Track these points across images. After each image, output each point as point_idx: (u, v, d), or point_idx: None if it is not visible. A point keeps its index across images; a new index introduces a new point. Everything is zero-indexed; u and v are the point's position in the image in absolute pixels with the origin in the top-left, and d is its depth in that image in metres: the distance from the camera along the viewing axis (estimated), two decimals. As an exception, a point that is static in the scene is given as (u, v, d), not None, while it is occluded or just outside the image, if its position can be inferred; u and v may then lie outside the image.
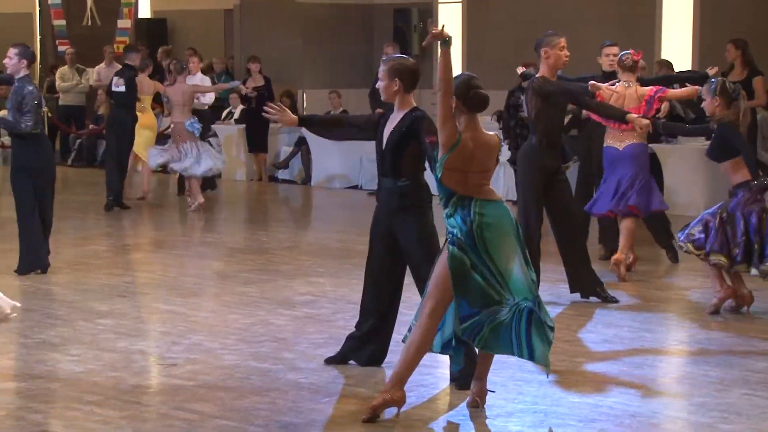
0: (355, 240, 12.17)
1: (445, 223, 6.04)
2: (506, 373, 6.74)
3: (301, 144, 17.76)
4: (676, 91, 9.97)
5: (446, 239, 6.04)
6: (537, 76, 8.87)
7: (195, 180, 14.50)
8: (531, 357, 5.93)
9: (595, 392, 6.53)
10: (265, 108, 7.03)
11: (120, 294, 9.37)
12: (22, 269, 10.00)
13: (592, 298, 8.87)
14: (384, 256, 6.88)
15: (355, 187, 16.88)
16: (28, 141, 9.95)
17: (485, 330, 5.89)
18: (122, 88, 14.44)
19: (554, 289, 9.23)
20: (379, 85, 6.68)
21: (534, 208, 8.76)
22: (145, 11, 22.55)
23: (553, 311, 8.56)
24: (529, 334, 5.90)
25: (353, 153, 17.02)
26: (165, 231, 13.17)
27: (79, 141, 20.36)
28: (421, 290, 6.40)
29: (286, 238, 12.85)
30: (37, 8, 24.26)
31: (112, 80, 14.83)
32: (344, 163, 17.13)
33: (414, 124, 6.58)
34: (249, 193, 17.04)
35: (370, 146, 16.49)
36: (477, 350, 6.14)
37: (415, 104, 6.67)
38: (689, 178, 13.57)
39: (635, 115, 9.10)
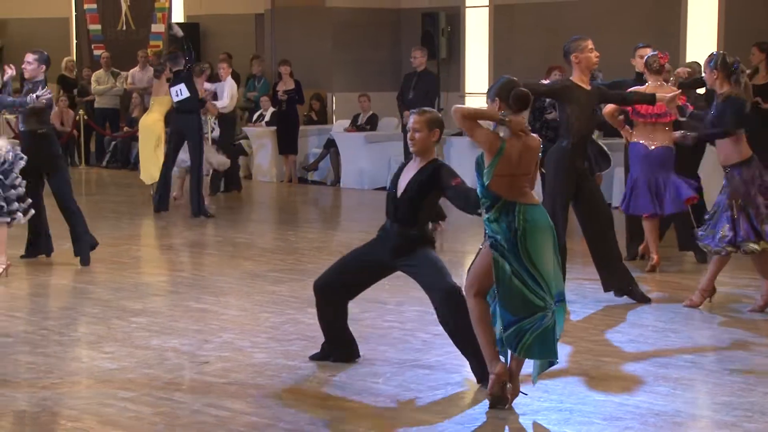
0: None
1: (486, 227, 6.07)
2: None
3: (330, 146, 17.78)
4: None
5: (485, 241, 6.10)
6: (563, 78, 8.86)
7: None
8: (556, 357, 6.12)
9: (621, 391, 6.49)
10: None
11: (153, 293, 9.41)
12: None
13: (625, 297, 8.81)
14: (360, 272, 6.93)
15: (384, 188, 16.85)
16: (34, 139, 10.14)
17: (528, 338, 5.94)
18: (185, 95, 14.19)
19: (580, 289, 9.20)
20: (414, 136, 6.58)
21: (562, 210, 8.71)
22: (178, 16, 22.61)
23: (580, 311, 8.56)
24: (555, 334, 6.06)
25: (381, 154, 17.04)
26: (197, 231, 13.20)
27: (113, 143, 20.44)
28: (439, 299, 6.53)
29: (315, 238, 12.86)
30: (74, 13, 24.37)
31: (170, 92, 14.40)
32: (373, 165, 17.13)
33: (435, 174, 6.56)
34: (279, 194, 17.07)
35: (398, 147, 16.60)
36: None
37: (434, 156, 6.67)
38: (711, 180, 13.48)
39: (662, 94, 9.04)
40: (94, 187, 16.39)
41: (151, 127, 14.92)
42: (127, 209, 14.80)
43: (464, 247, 11.52)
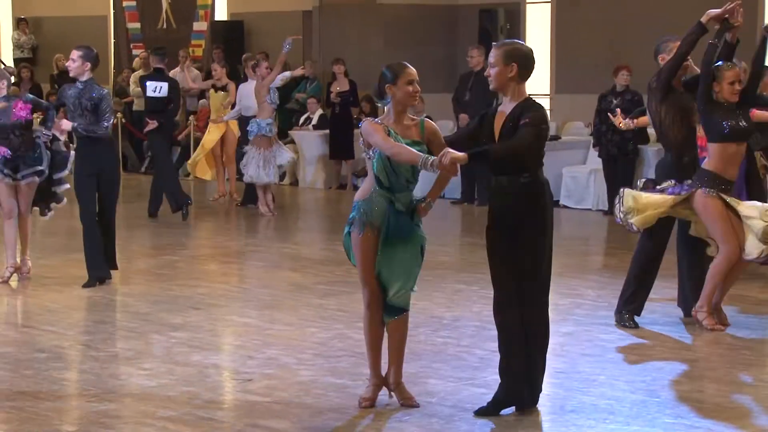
0: (437, 251, 12.14)
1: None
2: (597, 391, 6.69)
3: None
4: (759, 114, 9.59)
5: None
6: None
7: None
8: None
9: (690, 414, 6.44)
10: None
11: (194, 306, 9.46)
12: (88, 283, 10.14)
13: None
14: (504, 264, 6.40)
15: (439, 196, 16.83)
16: (97, 145, 10.06)
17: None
18: (162, 94, 14.49)
19: (664, 308, 9.13)
20: (490, 72, 6.39)
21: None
22: (221, 13, 22.75)
23: (662, 329, 8.52)
24: None
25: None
26: (240, 241, 13.27)
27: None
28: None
29: (365, 248, 12.86)
30: (112, 11, 24.53)
31: (147, 87, 14.84)
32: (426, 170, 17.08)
33: (526, 111, 6.26)
34: (327, 202, 17.11)
35: (453, 153, 16.49)
36: None
37: (528, 95, 6.40)
38: None
39: None
40: (133, 195, 16.50)
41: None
42: (167, 217, 14.88)
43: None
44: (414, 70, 6.58)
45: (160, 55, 15.04)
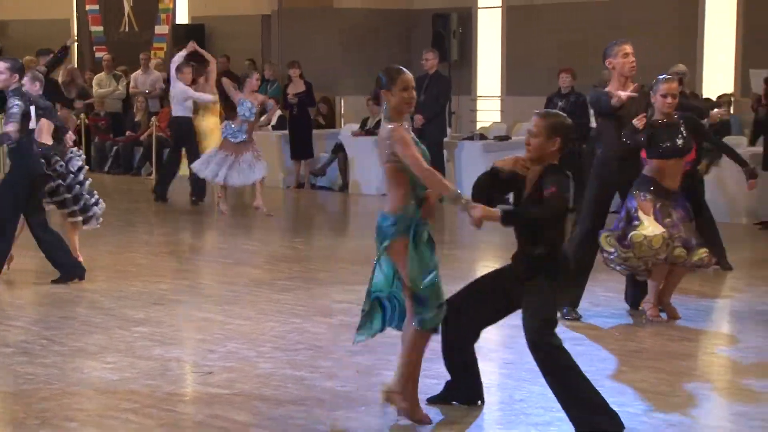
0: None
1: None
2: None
3: (338, 151, 17.81)
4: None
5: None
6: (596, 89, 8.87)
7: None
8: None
9: (636, 402, 6.51)
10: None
11: (156, 302, 9.44)
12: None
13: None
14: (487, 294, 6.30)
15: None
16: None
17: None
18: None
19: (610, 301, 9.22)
20: (530, 141, 5.99)
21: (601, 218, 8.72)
22: (183, 17, 22.67)
23: (606, 322, 8.58)
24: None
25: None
26: (201, 239, 13.25)
27: (115, 148, 20.46)
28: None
29: (323, 245, 12.89)
30: (75, 14, 24.42)
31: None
32: (382, 171, 17.11)
33: (551, 176, 5.90)
34: (286, 200, 17.10)
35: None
36: None
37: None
38: (729, 184, 13.52)
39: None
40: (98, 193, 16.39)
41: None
42: (130, 216, 14.84)
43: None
44: (410, 75, 6.16)
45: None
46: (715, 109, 10.01)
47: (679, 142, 8.47)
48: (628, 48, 8.64)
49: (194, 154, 15.41)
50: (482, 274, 6.52)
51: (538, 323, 5.92)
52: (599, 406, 5.89)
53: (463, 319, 6.26)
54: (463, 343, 6.36)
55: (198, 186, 15.72)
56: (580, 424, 5.86)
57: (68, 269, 10.15)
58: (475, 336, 6.40)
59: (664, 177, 8.45)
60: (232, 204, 15.63)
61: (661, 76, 8.57)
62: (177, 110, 15.84)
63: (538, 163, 5.97)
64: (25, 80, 10.10)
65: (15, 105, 9.57)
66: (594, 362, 7.27)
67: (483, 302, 6.25)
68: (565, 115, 6.19)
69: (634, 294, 8.89)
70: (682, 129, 8.50)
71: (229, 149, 14.43)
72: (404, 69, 6.19)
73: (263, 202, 14.60)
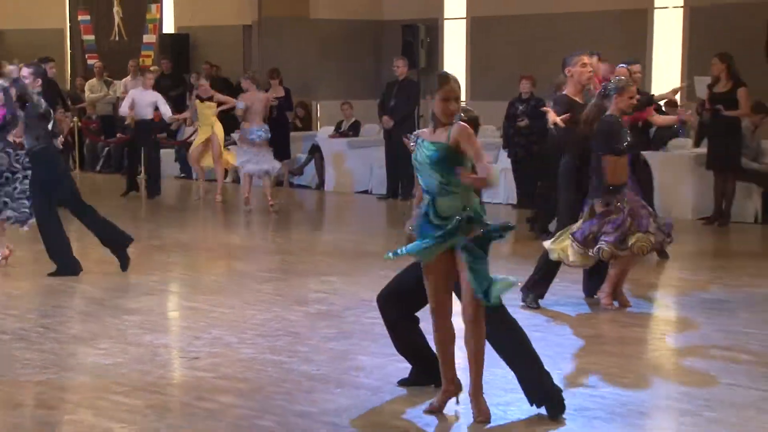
0: (366, 241, 12.22)
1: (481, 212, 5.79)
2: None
3: (315, 151, 17.80)
4: (659, 118, 9.99)
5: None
6: (560, 94, 8.89)
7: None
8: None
9: (590, 382, 6.56)
10: None
11: (146, 292, 9.42)
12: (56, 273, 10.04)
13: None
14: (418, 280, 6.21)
15: (366, 191, 16.92)
16: (39, 156, 9.93)
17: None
18: None
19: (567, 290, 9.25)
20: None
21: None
22: (169, 27, 22.59)
23: (563, 309, 8.63)
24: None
25: (364, 159, 17.07)
26: (188, 233, 13.22)
27: (106, 149, 20.40)
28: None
29: (300, 239, 12.90)
30: (68, 24, 24.33)
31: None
32: (355, 169, 17.17)
33: None
34: (266, 198, 17.04)
35: (380, 152, 16.63)
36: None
37: None
38: (676, 182, 13.62)
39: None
40: (89, 192, 16.34)
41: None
42: (121, 212, 14.77)
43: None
44: (454, 86, 5.81)
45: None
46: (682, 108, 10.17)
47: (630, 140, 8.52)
48: (586, 59, 8.74)
49: (151, 154, 16.31)
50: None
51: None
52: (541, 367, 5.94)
53: (402, 306, 6.30)
54: (407, 330, 6.37)
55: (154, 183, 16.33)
56: (527, 379, 5.95)
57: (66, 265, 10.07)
58: (415, 320, 6.39)
59: (617, 174, 8.46)
60: (210, 200, 15.63)
61: (615, 81, 8.60)
62: (141, 113, 16.16)
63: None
64: (26, 72, 10.05)
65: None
66: (551, 347, 7.30)
67: (415, 287, 6.19)
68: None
69: (591, 284, 8.94)
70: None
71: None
72: (450, 78, 5.89)
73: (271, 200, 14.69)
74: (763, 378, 6.67)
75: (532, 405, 5.94)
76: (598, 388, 6.45)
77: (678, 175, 13.60)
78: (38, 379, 6.69)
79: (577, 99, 8.72)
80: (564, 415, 5.88)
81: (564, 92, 8.83)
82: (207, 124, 15.79)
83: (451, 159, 5.71)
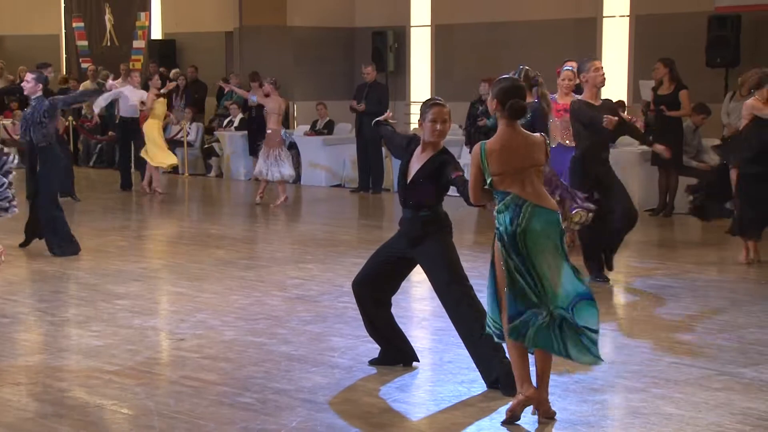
0: (339, 231, 12.17)
1: (495, 218, 5.38)
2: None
3: (292, 148, 17.69)
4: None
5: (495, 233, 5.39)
6: (576, 99, 8.90)
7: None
8: (568, 356, 5.36)
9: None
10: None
11: (135, 278, 9.33)
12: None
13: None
14: (386, 264, 6.21)
15: (339, 185, 16.86)
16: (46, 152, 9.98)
17: (530, 331, 5.27)
18: None
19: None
20: (444, 127, 5.99)
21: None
22: (157, 33, 22.44)
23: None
24: (565, 339, 5.31)
25: (337, 155, 17.01)
26: (175, 224, 13.11)
27: (99, 146, 20.23)
28: (448, 308, 5.95)
29: (280, 229, 12.82)
30: (63, 30, 24.16)
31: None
32: (330, 164, 17.10)
33: (441, 167, 5.93)
34: (247, 191, 16.96)
35: (352, 149, 16.59)
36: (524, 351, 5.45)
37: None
38: (625, 177, 13.62)
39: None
40: (84, 185, 16.22)
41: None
42: (112, 204, 14.66)
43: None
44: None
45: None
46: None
47: None
48: (598, 64, 8.82)
49: (139, 148, 15.95)
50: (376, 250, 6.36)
51: (448, 276, 5.92)
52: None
53: (373, 292, 6.22)
54: (378, 314, 6.30)
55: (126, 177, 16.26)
56: (480, 358, 5.88)
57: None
58: (387, 305, 6.32)
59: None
60: (198, 195, 15.52)
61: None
62: (129, 112, 16.08)
63: (440, 145, 6.00)
64: (29, 78, 10.01)
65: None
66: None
67: (384, 273, 6.18)
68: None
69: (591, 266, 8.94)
70: None
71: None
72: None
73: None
74: (703, 357, 6.67)
75: (486, 384, 5.89)
76: (553, 366, 6.42)
77: (626, 170, 13.59)
78: (35, 360, 6.61)
79: (593, 102, 8.76)
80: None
81: (579, 98, 8.85)
82: (158, 118, 15.75)
83: None
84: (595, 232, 8.72)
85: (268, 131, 14.53)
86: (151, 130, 15.65)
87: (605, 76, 8.81)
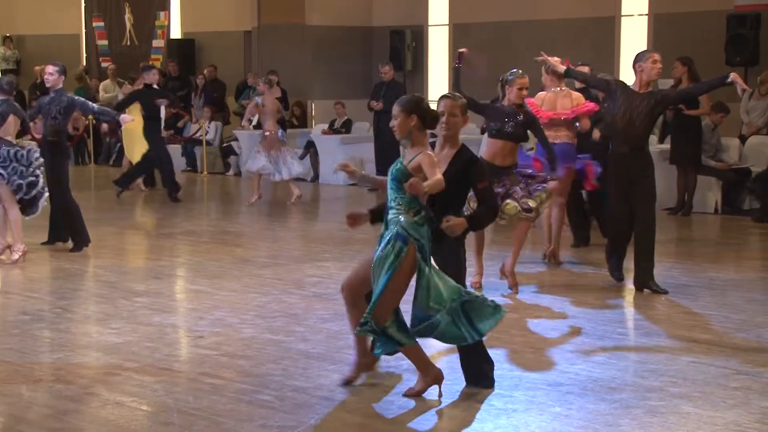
0: (357, 230, 12.13)
1: (408, 229, 5.48)
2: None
3: (310, 147, 17.73)
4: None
5: (392, 241, 5.50)
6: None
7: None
8: (480, 335, 5.57)
9: (563, 361, 6.52)
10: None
11: (154, 276, 9.37)
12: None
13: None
14: None
15: (356, 184, 16.86)
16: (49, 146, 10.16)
17: (441, 326, 5.52)
18: None
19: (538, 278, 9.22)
20: (450, 120, 5.76)
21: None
22: (176, 32, 22.50)
23: (542, 296, 8.59)
24: (470, 319, 5.52)
25: (355, 154, 17.01)
26: (194, 222, 13.15)
27: (118, 144, 20.25)
28: None
29: (297, 227, 12.83)
30: (83, 30, 24.24)
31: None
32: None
33: (469, 169, 5.71)
34: (265, 189, 16.97)
35: (369, 148, 16.58)
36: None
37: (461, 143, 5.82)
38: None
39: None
40: (102, 183, 16.29)
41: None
42: (131, 201, 14.71)
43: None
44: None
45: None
46: None
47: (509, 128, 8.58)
48: (657, 56, 8.51)
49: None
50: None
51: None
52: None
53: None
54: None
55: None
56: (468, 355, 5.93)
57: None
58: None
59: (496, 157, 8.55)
60: (216, 193, 15.55)
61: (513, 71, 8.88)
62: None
63: (452, 140, 5.81)
64: (51, 69, 10.14)
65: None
66: (528, 327, 7.27)
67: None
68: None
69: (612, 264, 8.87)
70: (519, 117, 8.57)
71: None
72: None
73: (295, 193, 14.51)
74: (722, 356, 6.65)
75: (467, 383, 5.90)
76: (572, 365, 6.42)
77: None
78: (56, 357, 6.64)
79: (636, 89, 8.50)
80: (539, 390, 5.84)
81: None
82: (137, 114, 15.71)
83: (405, 180, 5.45)
84: (618, 232, 8.70)
85: (266, 134, 14.28)
86: (136, 125, 15.49)
87: (661, 70, 8.52)
